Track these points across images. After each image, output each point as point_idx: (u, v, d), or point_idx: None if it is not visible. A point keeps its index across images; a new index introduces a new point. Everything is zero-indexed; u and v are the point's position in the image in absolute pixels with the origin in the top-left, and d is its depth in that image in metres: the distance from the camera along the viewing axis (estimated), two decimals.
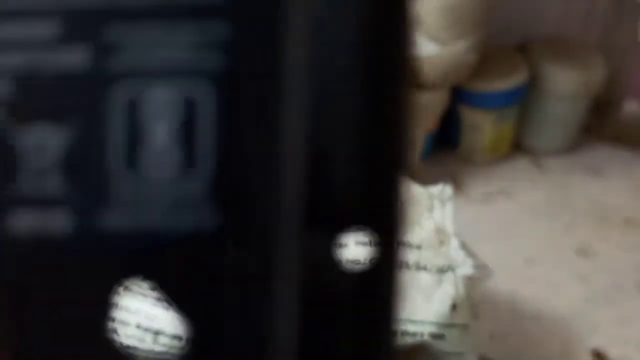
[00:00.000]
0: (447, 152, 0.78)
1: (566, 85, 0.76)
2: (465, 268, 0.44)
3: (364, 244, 0.15)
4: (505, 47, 0.78)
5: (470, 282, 0.44)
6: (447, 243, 0.45)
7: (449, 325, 0.42)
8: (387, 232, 0.15)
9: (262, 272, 0.16)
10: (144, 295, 0.36)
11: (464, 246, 0.45)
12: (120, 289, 0.16)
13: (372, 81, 0.16)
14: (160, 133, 0.16)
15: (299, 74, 0.16)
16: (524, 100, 0.77)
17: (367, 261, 0.15)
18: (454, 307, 0.43)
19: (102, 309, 0.16)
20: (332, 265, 0.15)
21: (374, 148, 0.16)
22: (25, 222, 0.17)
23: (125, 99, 0.17)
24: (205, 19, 0.17)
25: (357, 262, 0.15)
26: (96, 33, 0.17)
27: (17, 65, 0.17)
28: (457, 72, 0.69)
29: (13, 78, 0.17)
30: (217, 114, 0.16)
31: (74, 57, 0.17)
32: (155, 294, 0.16)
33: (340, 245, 0.16)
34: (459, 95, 0.75)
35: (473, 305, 0.44)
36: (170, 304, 0.16)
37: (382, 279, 0.15)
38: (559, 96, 0.76)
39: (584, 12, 0.81)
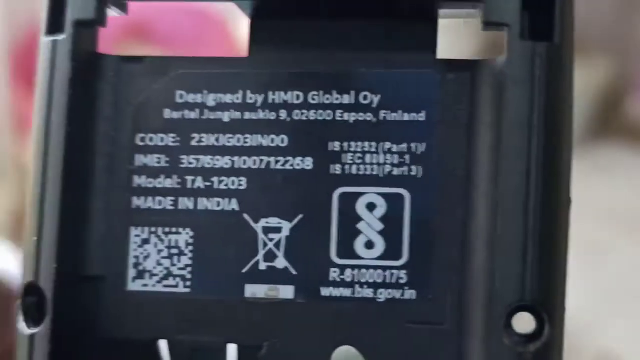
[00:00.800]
0: None
1: None
2: None
3: (537, 324, 0.19)
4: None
5: None
6: None
7: None
8: (557, 311, 0.19)
9: (455, 345, 0.20)
10: None
11: None
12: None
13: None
14: (371, 226, 0.21)
15: (487, 176, 0.20)
16: None
17: (540, 342, 0.19)
18: None
19: None
20: (509, 345, 0.19)
21: (545, 234, 0.19)
22: (260, 292, 0.21)
23: (342, 198, 0.21)
24: (407, 133, 0.21)
25: (530, 341, 0.19)
26: (320, 144, 0.21)
27: (253, 167, 0.21)
28: None
29: (249, 176, 0.21)
30: (415, 212, 0.21)
31: (301, 163, 0.21)
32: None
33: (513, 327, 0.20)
34: None
35: None
36: None
37: (553, 355, 0.20)
38: None
39: (589, 10, 0.84)
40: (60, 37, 0.21)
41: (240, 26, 0.75)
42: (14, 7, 0.82)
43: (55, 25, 0.21)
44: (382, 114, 0.21)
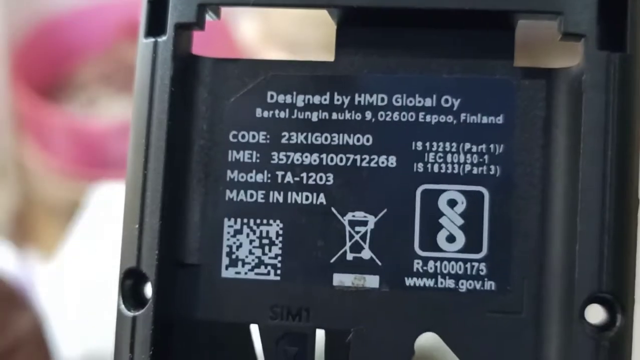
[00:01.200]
0: None
1: None
2: None
3: (610, 314, 0.21)
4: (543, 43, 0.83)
5: None
6: None
7: None
8: (629, 302, 0.21)
9: (532, 333, 0.22)
10: None
11: None
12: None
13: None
14: (452, 221, 0.22)
15: (563, 176, 0.22)
16: None
17: (615, 331, 0.21)
18: None
19: (403, 346, 0.22)
20: (587, 333, 0.21)
21: (619, 230, 0.21)
22: (347, 280, 0.22)
23: (425, 194, 0.22)
24: (486, 135, 0.22)
25: (603, 331, 0.21)
26: (403, 144, 0.22)
27: (339, 164, 0.22)
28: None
29: (336, 173, 0.22)
30: (494, 208, 0.22)
31: (385, 161, 0.22)
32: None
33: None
34: None
35: None
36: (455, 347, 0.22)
37: (626, 344, 0.21)
38: None
39: None
40: (162, 39, 0.22)
41: (241, 28, 0.75)
42: (14, 7, 0.82)
43: (156, 27, 0.22)
44: (463, 116, 0.22)
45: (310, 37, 0.71)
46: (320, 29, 0.67)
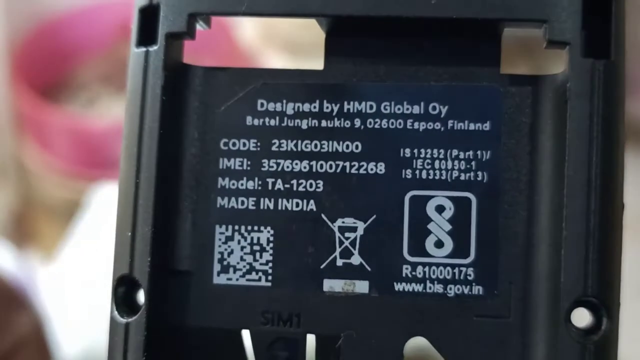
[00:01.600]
0: None
1: None
2: None
3: (595, 318, 0.21)
4: (507, 47, 0.84)
5: None
6: None
7: None
8: (614, 306, 0.21)
9: (520, 337, 0.22)
10: None
11: None
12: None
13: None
14: (440, 226, 0.23)
15: (549, 182, 0.22)
16: None
17: (600, 334, 0.21)
18: None
19: (392, 351, 0.22)
20: (573, 337, 0.21)
21: (604, 235, 0.21)
22: (337, 286, 0.22)
23: (413, 200, 0.23)
24: (473, 141, 0.23)
25: (589, 334, 0.21)
26: (392, 151, 0.23)
27: (329, 171, 0.23)
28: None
29: (326, 179, 0.23)
30: (482, 214, 0.22)
31: (374, 168, 0.23)
32: None
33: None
34: None
35: None
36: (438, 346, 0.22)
37: (612, 348, 0.21)
38: None
39: None
40: (153, 48, 0.22)
41: (241, 30, 0.75)
42: (14, 7, 0.82)
43: (147, 37, 0.23)
44: (450, 123, 0.23)
45: (310, 38, 0.71)
46: (321, 31, 0.67)
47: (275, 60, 0.66)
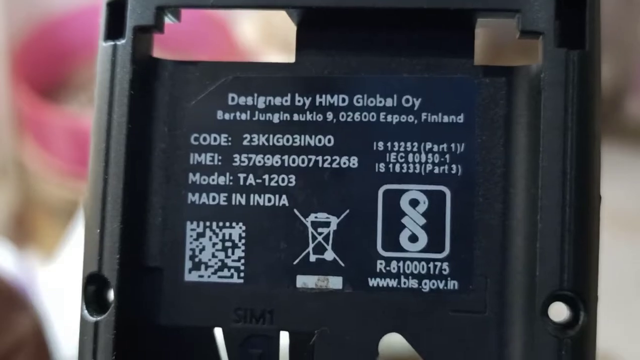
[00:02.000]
0: None
1: None
2: None
3: (573, 312, 0.21)
4: (506, 47, 0.83)
5: None
6: None
7: None
8: (591, 300, 0.21)
9: (496, 331, 0.21)
10: None
11: None
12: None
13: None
14: (414, 220, 0.22)
15: (524, 174, 0.22)
16: None
17: (577, 329, 0.20)
18: None
19: (367, 348, 0.22)
20: (549, 331, 0.21)
21: (580, 228, 0.21)
22: (310, 282, 0.22)
23: (387, 194, 0.22)
24: (447, 134, 0.22)
25: (567, 328, 0.21)
26: (364, 144, 0.22)
27: (301, 165, 0.22)
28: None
29: (298, 174, 0.22)
30: (456, 207, 0.22)
31: (347, 162, 0.22)
32: None
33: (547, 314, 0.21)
34: None
35: None
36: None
37: (589, 342, 0.21)
38: None
39: None
40: (120, 42, 0.22)
41: (241, 29, 0.75)
42: (14, 7, 0.82)
43: (115, 30, 0.22)
44: (424, 116, 0.22)
45: None
46: None
47: (274, 59, 0.66)
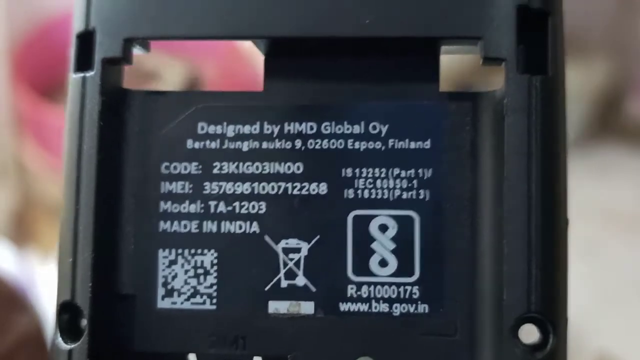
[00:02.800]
0: None
1: (569, 84, 0.80)
2: None
3: (542, 334, 0.21)
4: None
5: None
6: None
7: None
8: (560, 322, 0.21)
9: (467, 355, 0.22)
10: None
11: None
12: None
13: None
14: (383, 245, 0.22)
15: (491, 198, 0.22)
16: None
17: (546, 351, 0.21)
18: None
19: None
20: (518, 354, 0.21)
21: (546, 251, 0.21)
22: (282, 307, 0.22)
23: (356, 220, 0.22)
24: (414, 160, 0.22)
25: (536, 350, 0.21)
26: (333, 171, 0.23)
27: (271, 192, 0.23)
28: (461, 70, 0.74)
29: (268, 201, 0.23)
30: (425, 232, 0.22)
31: (316, 188, 0.23)
32: None
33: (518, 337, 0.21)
34: None
35: None
36: None
37: None
38: None
39: (589, 11, 0.82)
40: (89, 74, 0.22)
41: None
42: (14, 7, 0.83)
43: (84, 62, 0.23)
44: (391, 142, 0.22)
45: None
46: None
47: None
